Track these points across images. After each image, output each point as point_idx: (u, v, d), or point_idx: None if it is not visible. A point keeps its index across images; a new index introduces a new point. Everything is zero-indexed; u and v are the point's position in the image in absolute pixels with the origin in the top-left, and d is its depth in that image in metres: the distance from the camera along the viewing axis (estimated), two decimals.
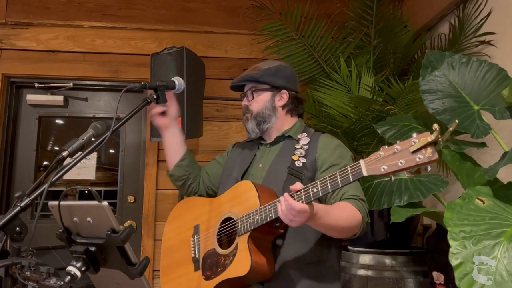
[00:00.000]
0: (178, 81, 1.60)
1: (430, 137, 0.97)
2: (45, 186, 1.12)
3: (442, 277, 2.10)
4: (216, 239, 1.49)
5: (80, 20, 3.16)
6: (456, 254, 1.37)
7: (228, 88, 3.19)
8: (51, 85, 3.13)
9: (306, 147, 1.55)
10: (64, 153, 1.22)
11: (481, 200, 1.51)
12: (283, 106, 1.64)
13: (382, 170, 1.05)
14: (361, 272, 2.32)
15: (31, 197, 1.10)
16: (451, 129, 1.01)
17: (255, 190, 1.40)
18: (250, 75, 1.66)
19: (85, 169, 3.13)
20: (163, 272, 1.65)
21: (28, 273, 0.96)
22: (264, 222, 1.33)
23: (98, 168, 3.19)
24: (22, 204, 1.08)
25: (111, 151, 3.29)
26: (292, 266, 1.44)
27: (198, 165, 1.81)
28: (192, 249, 1.56)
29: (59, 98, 3.13)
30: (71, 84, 3.12)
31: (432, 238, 2.25)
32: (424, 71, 1.93)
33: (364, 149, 2.60)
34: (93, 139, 1.31)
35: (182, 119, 2.50)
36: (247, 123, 1.65)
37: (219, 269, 1.42)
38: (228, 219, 1.48)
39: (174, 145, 1.73)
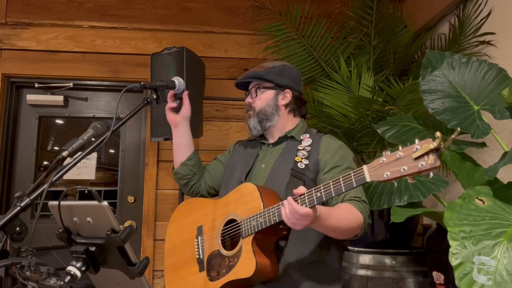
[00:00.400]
0: (178, 81, 1.60)
1: (432, 144, 0.98)
2: (45, 186, 1.12)
3: (442, 277, 2.10)
4: (220, 241, 1.50)
5: (80, 20, 3.16)
6: (456, 254, 1.37)
7: (228, 88, 3.23)
8: (51, 85, 3.13)
9: (308, 148, 1.56)
10: (64, 153, 1.22)
11: (481, 200, 1.51)
12: (286, 105, 1.64)
13: (385, 176, 1.07)
14: (361, 272, 2.32)
15: (31, 197, 1.10)
16: (452, 136, 1.02)
17: (258, 192, 1.42)
18: (255, 72, 1.67)
19: (85, 169, 3.13)
20: (167, 271, 1.67)
21: (28, 273, 0.96)
22: (268, 225, 1.34)
23: (98, 168, 3.19)
24: (22, 204, 1.08)
25: (111, 151, 3.29)
26: (293, 267, 1.45)
27: (203, 167, 1.81)
28: (196, 250, 1.57)
29: (59, 98, 3.13)
30: (71, 84, 3.12)
31: (432, 238, 2.25)
32: (424, 71, 1.93)
33: (364, 149, 2.60)
34: (93, 139, 1.31)
35: None
36: (249, 120, 1.66)
37: (224, 270, 1.43)
38: (232, 220, 1.49)
39: (182, 144, 1.76)
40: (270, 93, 1.64)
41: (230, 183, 1.61)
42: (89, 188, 1.06)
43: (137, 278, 0.96)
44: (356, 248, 2.41)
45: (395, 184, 1.12)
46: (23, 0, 3.13)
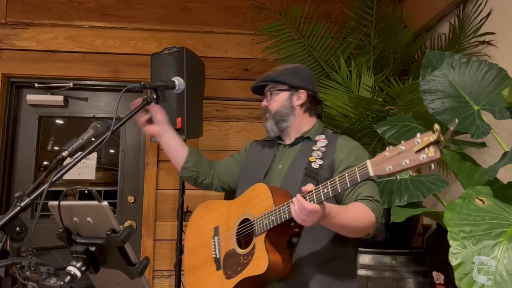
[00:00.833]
0: (178, 81, 1.60)
1: (432, 137, 1.00)
2: (45, 186, 1.12)
3: (442, 277, 2.10)
4: (235, 240, 1.54)
5: (80, 20, 3.16)
6: (456, 254, 1.38)
7: (228, 88, 3.24)
8: (51, 85, 3.13)
9: (323, 149, 1.58)
10: (64, 153, 1.22)
11: (481, 200, 1.51)
12: (301, 105, 1.66)
13: (388, 170, 1.09)
14: (361, 272, 2.32)
15: (31, 197, 1.10)
16: (452, 128, 1.04)
17: (270, 191, 1.46)
18: (268, 75, 1.70)
19: (85, 169, 3.13)
20: (187, 272, 1.72)
21: (28, 273, 0.96)
22: (279, 222, 1.38)
23: (98, 168, 3.19)
24: (22, 204, 1.08)
25: (111, 151, 3.29)
26: (307, 264, 1.48)
27: (206, 161, 1.80)
28: (213, 249, 1.62)
29: (59, 98, 3.13)
30: (71, 84, 3.12)
31: (432, 238, 2.25)
32: (424, 71, 1.93)
33: (364, 149, 2.59)
34: (93, 139, 1.31)
35: (182, 119, 2.50)
36: (266, 122, 1.68)
37: (239, 268, 1.48)
38: (246, 220, 1.53)
39: (173, 148, 1.77)
40: (284, 95, 1.66)
41: (248, 183, 1.62)
42: (89, 188, 1.07)
43: (137, 278, 0.96)
44: None
45: (398, 178, 1.13)
46: (23, 0, 3.13)
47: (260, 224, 1.44)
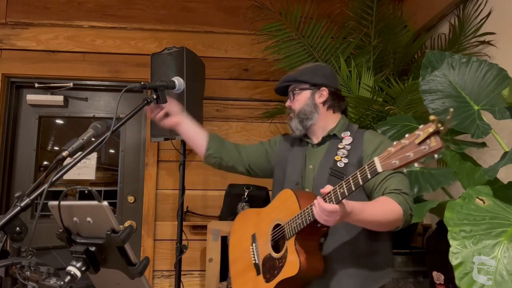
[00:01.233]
0: (178, 81, 1.60)
1: (431, 128, 1.04)
2: (45, 186, 1.12)
3: (442, 277, 2.10)
4: (270, 245, 1.61)
5: (80, 20, 3.16)
6: (456, 253, 1.37)
7: (228, 88, 3.24)
8: (51, 85, 3.13)
9: (348, 147, 1.60)
10: (64, 153, 1.22)
11: (481, 199, 1.51)
12: (324, 103, 1.67)
13: (394, 164, 1.12)
14: None
15: (31, 197, 1.10)
16: (448, 117, 1.07)
17: (295, 196, 1.52)
18: (289, 75, 1.73)
19: (85, 169, 3.13)
20: (233, 280, 1.81)
21: (28, 273, 0.95)
22: (305, 225, 1.42)
23: (98, 168, 3.19)
24: (22, 204, 1.08)
25: (111, 151, 3.29)
26: (342, 261, 1.52)
27: (229, 145, 1.81)
28: (252, 256, 1.69)
29: (59, 98, 3.13)
30: (71, 84, 3.12)
31: (432, 238, 2.25)
32: (424, 71, 1.93)
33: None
34: (93, 139, 1.31)
35: None
36: (290, 122, 1.71)
37: (276, 272, 1.55)
38: (278, 225, 1.59)
39: (193, 137, 1.78)
40: (306, 93, 1.68)
41: (286, 184, 1.68)
42: (89, 188, 1.06)
43: (137, 278, 0.96)
44: None
45: (405, 171, 1.18)
46: (23, 0, 3.13)
47: (289, 228, 1.50)
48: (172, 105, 1.69)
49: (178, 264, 2.57)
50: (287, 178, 1.69)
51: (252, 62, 3.26)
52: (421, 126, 1.07)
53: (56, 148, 3.28)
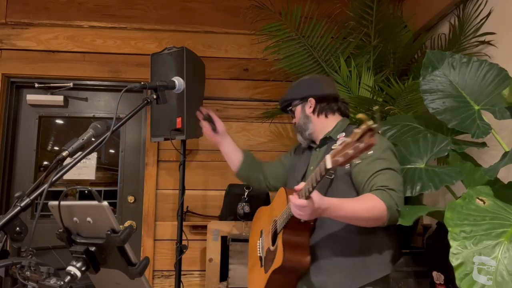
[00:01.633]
0: (178, 81, 1.60)
1: (365, 125, 1.11)
2: (45, 186, 1.12)
3: (442, 277, 2.10)
4: (270, 239, 1.75)
5: (80, 20, 3.16)
6: (456, 254, 1.37)
7: (228, 88, 3.24)
8: (51, 85, 3.13)
9: None
10: (64, 153, 1.22)
11: (481, 200, 1.51)
12: (313, 111, 1.80)
13: (339, 161, 1.20)
14: None
15: (31, 197, 1.10)
16: (375, 108, 1.17)
17: (285, 193, 1.65)
18: (282, 97, 1.90)
19: (85, 169, 3.13)
20: (248, 273, 2.00)
21: (28, 273, 0.95)
22: (288, 220, 1.53)
23: (98, 168, 3.19)
24: (22, 204, 1.08)
25: (111, 151, 3.29)
26: (330, 255, 1.59)
27: (257, 166, 2.02)
28: (259, 250, 1.88)
29: (59, 98, 3.13)
30: (71, 84, 3.12)
31: (432, 238, 2.25)
32: (425, 70, 1.93)
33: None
34: (93, 139, 1.31)
35: (182, 119, 2.50)
36: (297, 136, 1.88)
37: (271, 263, 1.68)
38: (275, 220, 1.73)
39: (230, 156, 2.02)
40: (299, 108, 1.83)
41: (290, 185, 1.81)
42: (89, 188, 1.06)
43: (137, 278, 0.96)
44: None
45: (347, 167, 1.33)
46: (23, 0, 3.13)
47: (279, 222, 1.63)
48: (219, 123, 1.96)
49: (178, 264, 2.57)
50: (293, 182, 1.80)
51: (252, 62, 3.26)
52: (363, 126, 1.13)
53: (56, 148, 3.28)
